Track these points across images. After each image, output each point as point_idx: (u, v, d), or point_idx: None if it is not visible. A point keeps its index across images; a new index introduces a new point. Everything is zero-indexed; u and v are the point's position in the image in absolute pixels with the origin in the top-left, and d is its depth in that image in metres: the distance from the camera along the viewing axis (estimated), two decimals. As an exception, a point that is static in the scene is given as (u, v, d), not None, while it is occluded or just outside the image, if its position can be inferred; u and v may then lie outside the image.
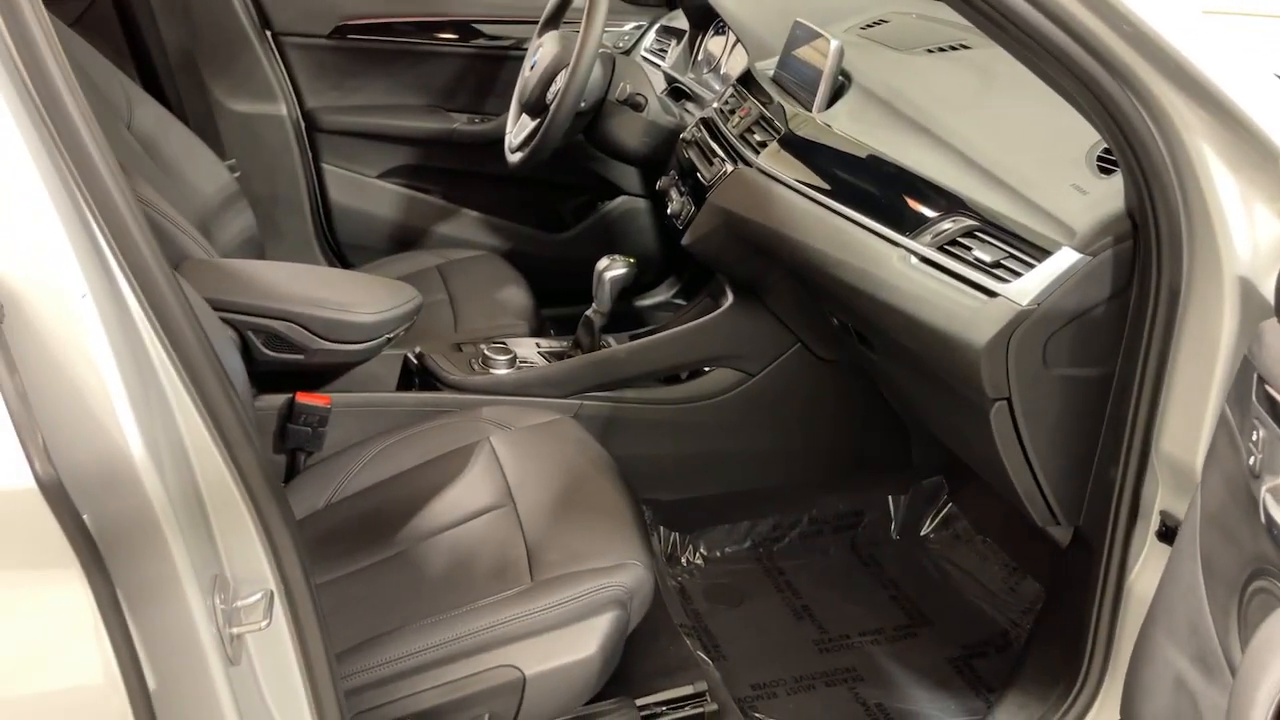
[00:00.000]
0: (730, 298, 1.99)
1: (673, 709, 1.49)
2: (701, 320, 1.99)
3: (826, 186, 1.61)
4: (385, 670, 1.28)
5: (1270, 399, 0.83)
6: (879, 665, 1.76)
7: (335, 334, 1.71)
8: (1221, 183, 1.07)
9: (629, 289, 2.10)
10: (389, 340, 1.80)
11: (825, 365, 2.00)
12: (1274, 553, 0.78)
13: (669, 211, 2.07)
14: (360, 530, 1.53)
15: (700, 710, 1.50)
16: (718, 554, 2.01)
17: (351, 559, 1.47)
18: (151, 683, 0.87)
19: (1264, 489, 0.81)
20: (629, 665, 1.47)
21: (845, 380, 2.01)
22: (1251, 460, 0.84)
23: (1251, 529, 0.82)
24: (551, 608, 1.33)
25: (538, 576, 1.39)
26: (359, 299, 1.77)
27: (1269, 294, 1.03)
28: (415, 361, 1.93)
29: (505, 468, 1.59)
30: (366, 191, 2.67)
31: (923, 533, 2.07)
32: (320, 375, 1.83)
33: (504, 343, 1.98)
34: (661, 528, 1.98)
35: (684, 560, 1.99)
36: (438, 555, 1.47)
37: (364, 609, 1.38)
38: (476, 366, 1.92)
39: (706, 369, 2.02)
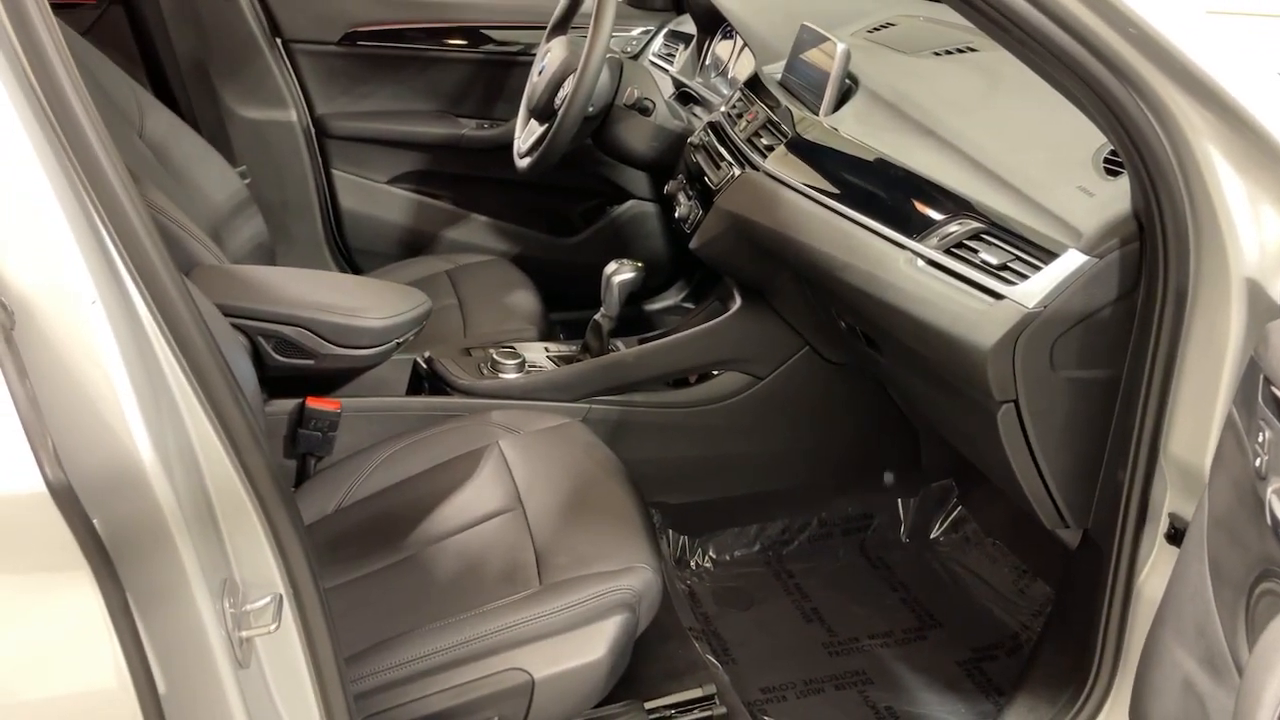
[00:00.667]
0: (738, 301, 1.99)
1: (682, 712, 1.49)
2: (709, 324, 1.99)
3: (833, 190, 1.61)
4: (395, 674, 1.29)
5: (1277, 400, 0.83)
6: (888, 668, 1.76)
7: (345, 339, 1.72)
8: (1228, 184, 1.07)
9: (637, 293, 2.11)
10: (398, 345, 1.81)
11: (833, 368, 2.00)
12: (1275, 548, 0.78)
13: (677, 215, 2.07)
14: (370, 534, 1.54)
15: (709, 713, 1.50)
16: (727, 557, 2.01)
17: (361, 563, 1.48)
18: (162, 686, 0.87)
19: (1270, 490, 0.80)
20: (638, 668, 1.47)
21: (853, 383, 2.01)
22: (1258, 462, 0.84)
23: (1258, 531, 0.82)
24: (560, 611, 1.34)
25: (546, 580, 1.39)
26: (368, 304, 1.77)
27: (1276, 295, 1.02)
28: (425, 366, 1.94)
29: (514, 472, 1.59)
30: (376, 197, 2.68)
31: (932, 535, 2.07)
32: (330, 380, 1.83)
33: (513, 347, 1.99)
34: (670, 531, 1.98)
35: (693, 563, 1.99)
36: (447, 559, 1.47)
37: (374, 613, 1.39)
38: (485, 371, 1.92)
39: (715, 372, 2.02)
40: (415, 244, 2.68)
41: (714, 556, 2.00)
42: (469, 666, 1.30)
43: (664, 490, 1.94)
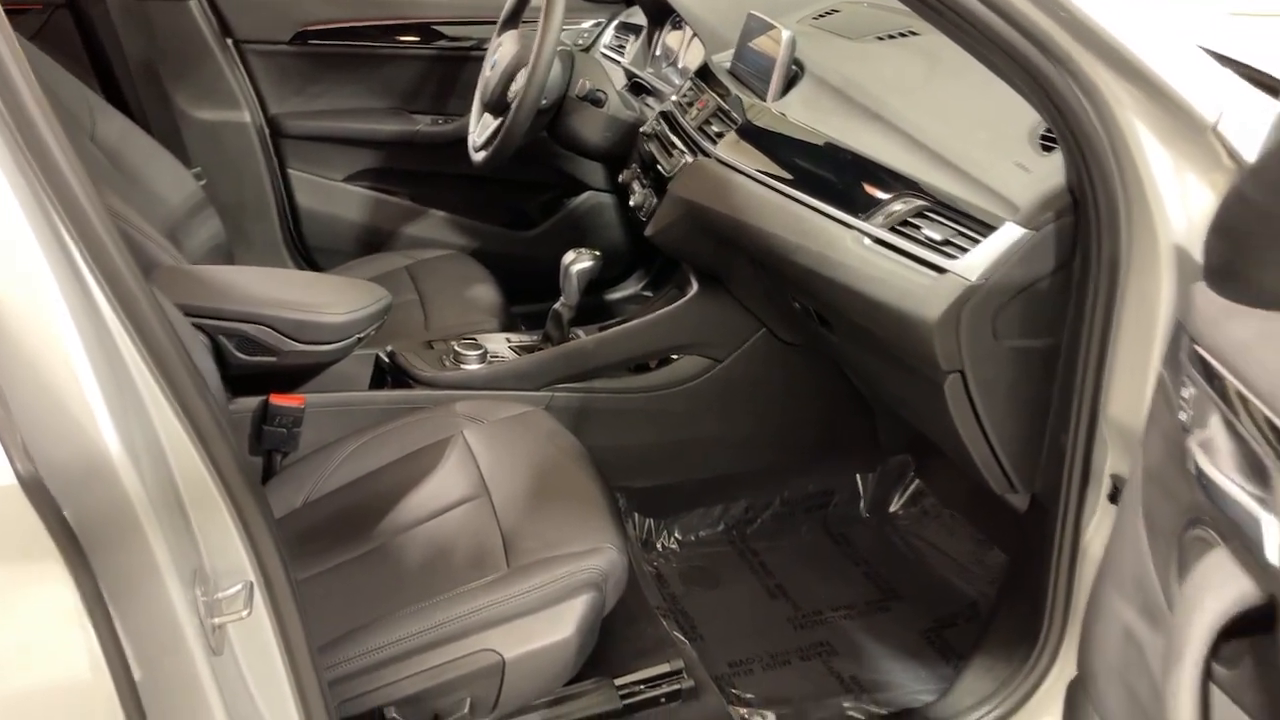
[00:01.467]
0: (695, 286, 2.02)
1: (650, 687, 1.53)
2: (668, 309, 2.03)
3: (783, 174, 1.65)
4: (367, 659, 1.31)
5: (1199, 357, 0.87)
6: (852, 639, 1.80)
7: (306, 335, 1.73)
8: (1154, 156, 1.11)
9: (598, 283, 2.13)
10: (360, 340, 1.83)
11: (790, 350, 2.04)
12: (1205, 501, 0.83)
13: (632, 203, 2.10)
14: (338, 527, 1.56)
15: (678, 687, 1.53)
16: (692, 538, 2.04)
17: (330, 555, 1.50)
18: (137, 674, 0.89)
19: (1193, 442, 0.85)
20: (607, 647, 1.50)
21: (810, 364, 2.05)
22: (1183, 416, 0.88)
23: (1186, 482, 0.87)
24: (528, 592, 1.37)
25: (514, 563, 1.42)
26: (328, 300, 1.79)
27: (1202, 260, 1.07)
28: (387, 360, 1.95)
29: (479, 460, 1.61)
30: (333, 195, 2.69)
31: (891, 510, 2.12)
32: (294, 377, 1.85)
33: (475, 338, 2.01)
34: (636, 514, 2.01)
35: (660, 545, 2.02)
36: (415, 547, 1.49)
37: (344, 602, 1.41)
38: (448, 363, 1.94)
39: (675, 357, 2.05)
40: (374, 241, 2.69)
41: (679, 538, 2.04)
42: (440, 649, 1.33)
43: (628, 474, 1.97)
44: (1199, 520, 0.84)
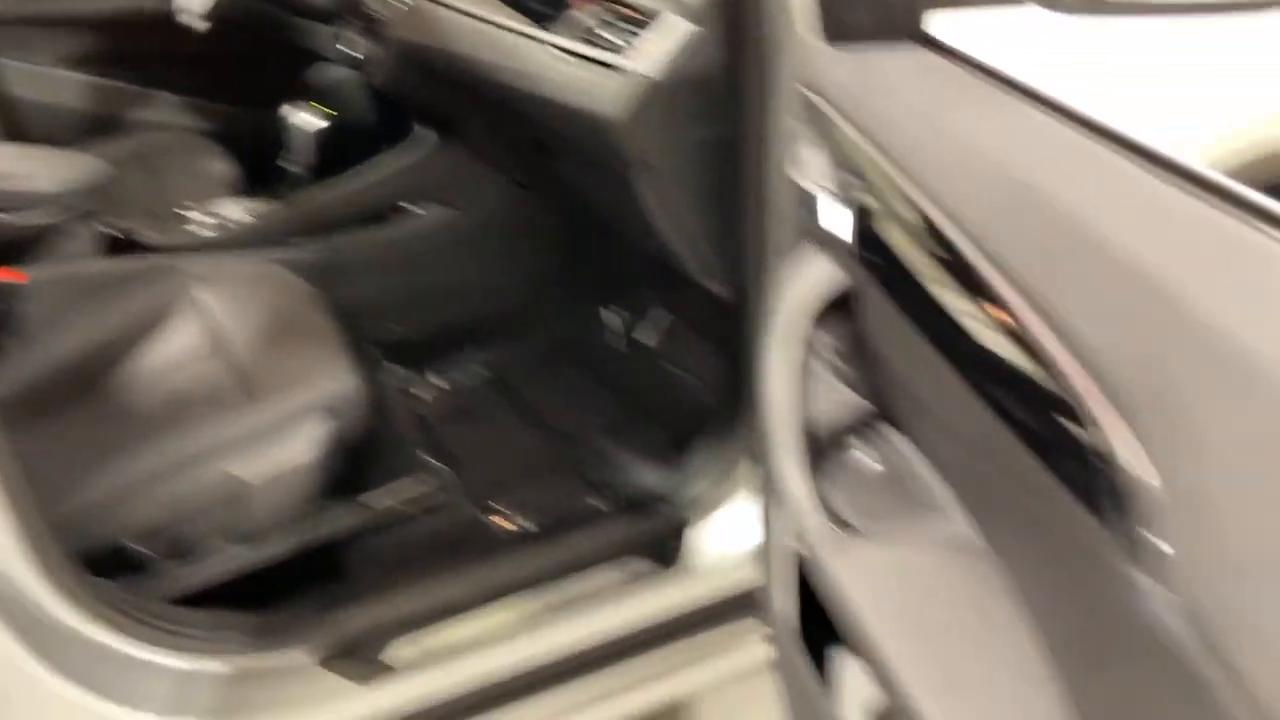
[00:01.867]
0: (428, 135, 2.05)
1: (404, 505, 1.60)
2: (403, 159, 2.05)
3: (486, 2, 1.70)
4: (101, 494, 1.33)
5: (804, 98, 0.99)
6: (604, 452, 1.92)
7: (13, 205, 1.67)
8: None
9: (349, 159, 2.11)
10: (78, 213, 1.77)
11: (527, 191, 2.11)
12: (804, 213, 0.96)
13: (358, 56, 2.09)
14: (71, 394, 1.54)
15: (432, 504, 1.62)
16: (448, 383, 2.10)
17: (66, 421, 1.48)
18: None
19: (792, 165, 0.98)
20: (360, 473, 1.57)
21: (549, 205, 2.13)
22: (795, 153, 1.01)
23: (798, 207, 1.00)
24: (266, 419, 1.41)
25: (252, 399, 1.45)
26: (34, 170, 1.73)
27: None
28: (117, 232, 1.90)
29: (214, 314, 1.62)
30: (50, 83, 2.52)
31: (641, 338, 2.24)
32: (12, 255, 1.77)
33: (208, 204, 1.98)
34: (393, 364, 2.05)
35: (417, 393, 2.08)
36: (150, 398, 1.50)
37: (77, 452, 1.41)
38: (180, 229, 1.91)
39: (414, 208, 2.08)
40: (99, 129, 2.55)
41: (437, 384, 2.10)
42: (178, 478, 1.36)
43: (379, 327, 2.00)
44: (804, 233, 0.97)
